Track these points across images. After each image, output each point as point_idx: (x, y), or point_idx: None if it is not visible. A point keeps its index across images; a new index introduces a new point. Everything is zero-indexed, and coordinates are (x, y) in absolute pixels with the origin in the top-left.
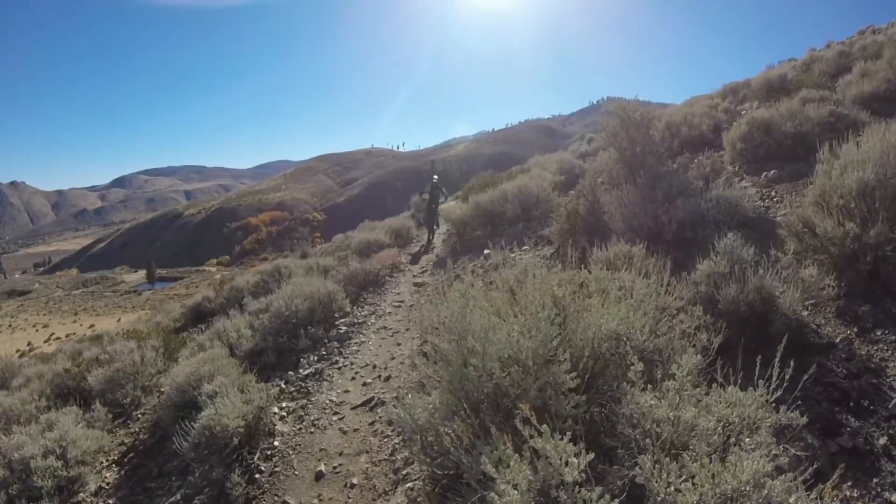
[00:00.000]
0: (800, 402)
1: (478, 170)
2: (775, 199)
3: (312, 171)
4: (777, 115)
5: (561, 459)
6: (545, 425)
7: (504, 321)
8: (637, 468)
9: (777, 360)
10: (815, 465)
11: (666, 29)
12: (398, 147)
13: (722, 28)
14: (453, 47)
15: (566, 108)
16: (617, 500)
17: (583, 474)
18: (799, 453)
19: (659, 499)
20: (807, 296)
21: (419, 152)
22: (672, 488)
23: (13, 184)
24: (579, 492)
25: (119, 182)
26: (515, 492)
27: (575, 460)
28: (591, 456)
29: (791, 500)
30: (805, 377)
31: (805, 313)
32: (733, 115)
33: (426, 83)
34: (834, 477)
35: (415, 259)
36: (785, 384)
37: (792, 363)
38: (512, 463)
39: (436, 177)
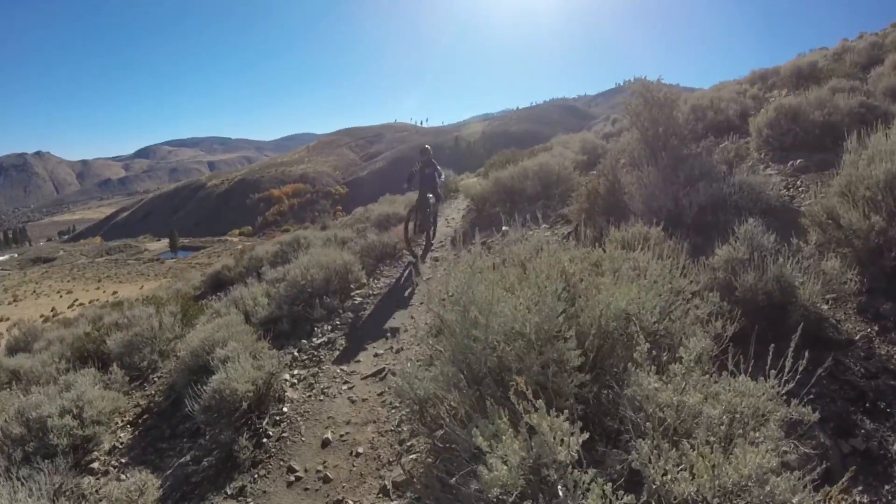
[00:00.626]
0: (814, 398)
1: (501, 147)
2: (800, 189)
3: (335, 144)
4: (805, 103)
5: (555, 437)
6: (541, 401)
7: (512, 294)
8: (634, 452)
9: (791, 350)
10: (825, 465)
11: (696, 13)
12: (421, 123)
13: (754, 15)
14: (478, 26)
15: (592, 89)
16: (611, 485)
17: (574, 454)
18: (809, 451)
19: (654, 486)
20: (827, 289)
21: (443, 128)
22: (668, 476)
23: (38, 153)
24: (573, 472)
25: (143, 153)
26: (505, 467)
27: (569, 439)
28: (586, 436)
29: (795, 500)
30: (820, 371)
31: (825, 307)
32: (761, 101)
33: (451, 60)
34: (843, 480)
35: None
36: (798, 377)
37: (807, 355)
38: (504, 438)
39: (427, 146)
